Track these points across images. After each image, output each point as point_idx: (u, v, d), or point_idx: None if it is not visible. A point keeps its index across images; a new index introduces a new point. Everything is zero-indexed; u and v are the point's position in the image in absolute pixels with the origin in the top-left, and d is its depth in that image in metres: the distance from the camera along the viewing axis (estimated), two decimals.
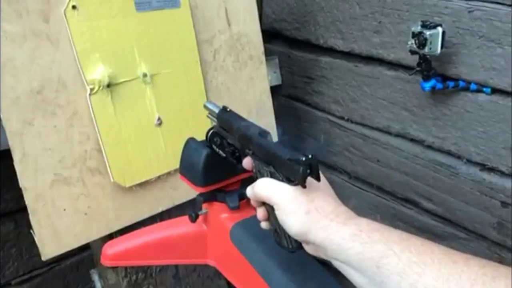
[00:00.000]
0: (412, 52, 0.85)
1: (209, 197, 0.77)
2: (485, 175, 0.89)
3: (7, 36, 0.74)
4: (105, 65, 0.83)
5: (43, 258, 0.82)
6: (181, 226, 0.83)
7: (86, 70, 0.82)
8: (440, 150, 0.96)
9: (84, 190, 0.85)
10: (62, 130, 0.82)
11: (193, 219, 0.77)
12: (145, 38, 0.88)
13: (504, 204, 0.87)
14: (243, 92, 1.07)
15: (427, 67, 0.86)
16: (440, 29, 0.81)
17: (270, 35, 1.27)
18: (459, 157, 0.93)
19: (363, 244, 0.47)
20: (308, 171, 0.51)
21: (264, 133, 0.61)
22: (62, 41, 0.79)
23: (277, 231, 0.57)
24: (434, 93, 0.92)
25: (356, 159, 1.15)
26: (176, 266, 1.12)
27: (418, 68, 0.87)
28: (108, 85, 0.84)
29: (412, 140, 1.01)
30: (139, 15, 0.87)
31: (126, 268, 1.03)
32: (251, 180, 0.61)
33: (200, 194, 0.76)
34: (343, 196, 1.24)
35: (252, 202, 0.60)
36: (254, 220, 0.62)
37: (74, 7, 0.79)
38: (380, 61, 1.02)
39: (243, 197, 0.74)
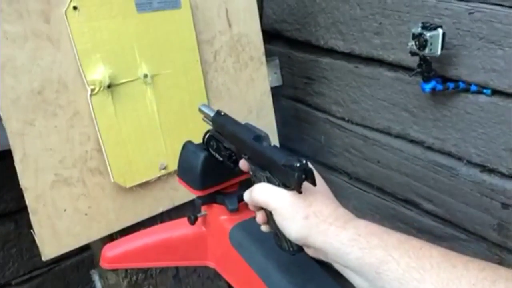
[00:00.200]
0: (413, 54, 0.85)
1: (208, 200, 0.77)
2: (485, 177, 0.89)
3: (8, 37, 0.74)
4: (105, 65, 0.83)
5: (44, 258, 0.82)
6: (180, 228, 0.83)
7: (86, 71, 0.82)
8: (440, 151, 0.96)
9: (85, 191, 0.86)
10: (63, 130, 0.82)
11: (192, 222, 0.77)
12: (146, 38, 0.88)
13: (504, 205, 0.87)
14: (244, 93, 1.07)
15: (427, 68, 0.86)
16: (440, 31, 0.81)
17: (271, 35, 1.27)
18: (459, 158, 0.93)
19: (362, 250, 0.47)
20: (304, 176, 0.51)
21: (259, 138, 0.60)
22: (63, 41, 0.79)
23: (277, 234, 0.57)
24: (434, 94, 0.92)
25: (357, 160, 1.15)
26: (176, 267, 1.12)
27: (418, 69, 0.87)
28: (109, 86, 0.84)
29: (413, 141, 1.01)
30: (139, 15, 0.87)
31: (126, 268, 1.03)
32: (250, 182, 0.61)
33: (199, 197, 0.76)
34: (343, 197, 1.24)
35: (250, 207, 0.60)
36: (253, 222, 0.62)
37: (75, 7, 0.79)
38: (381, 62, 1.02)
39: (242, 199, 0.74)
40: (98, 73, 0.83)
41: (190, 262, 0.86)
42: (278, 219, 0.53)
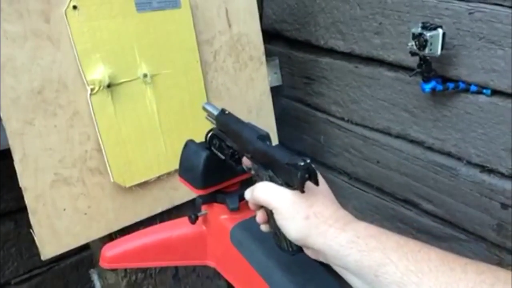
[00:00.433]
0: (413, 54, 0.85)
1: (209, 199, 0.77)
2: (485, 177, 0.89)
3: (8, 36, 0.74)
4: (105, 65, 0.83)
5: (43, 258, 0.82)
6: (180, 227, 0.82)
7: (86, 70, 0.82)
8: (440, 152, 0.96)
9: (84, 190, 0.86)
10: (63, 130, 0.82)
11: (193, 221, 0.77)
12: (146, 38, 0.88)
13: (504, 205, 0.87)
14: (243, 93, 1.07)
15: (427, 68, 0.86)
16: (440, 31, 0.81)
17: (271, 35, 1.27)
18: (459, 159, 0.93)
19: (361, 252, 0.47)
20: (307, 175, 0.50)
21: (262, 137, 0.60)
22: (63, 41, 0.79)
23: (277, 234, 0.57)
24: (434, 94, 0.92)
25: (356, 160, 1.15)
26: (176, 267, 1.12)
27: (418, 70, 0.87)
28: (109, 85, 0.84)
29: (412, 141, 1.01)
30: (139, 15, 0.87)
31: (125, 268, 1.03)
32: (251, 181, 0.61)
33: (200, 196, 0.76)
34: (343, 197, 1.24)
35: (251, 205, 0.60)
36: (254, 221, 0.62)
37: (74, 7, 0.79)
38: (381, 62, 1.02)
39: (243, 198, 0.74)
40: (98, 72, 0.83)
41: (190, 261, 0.86)
42: (279, 218, 0.53)
